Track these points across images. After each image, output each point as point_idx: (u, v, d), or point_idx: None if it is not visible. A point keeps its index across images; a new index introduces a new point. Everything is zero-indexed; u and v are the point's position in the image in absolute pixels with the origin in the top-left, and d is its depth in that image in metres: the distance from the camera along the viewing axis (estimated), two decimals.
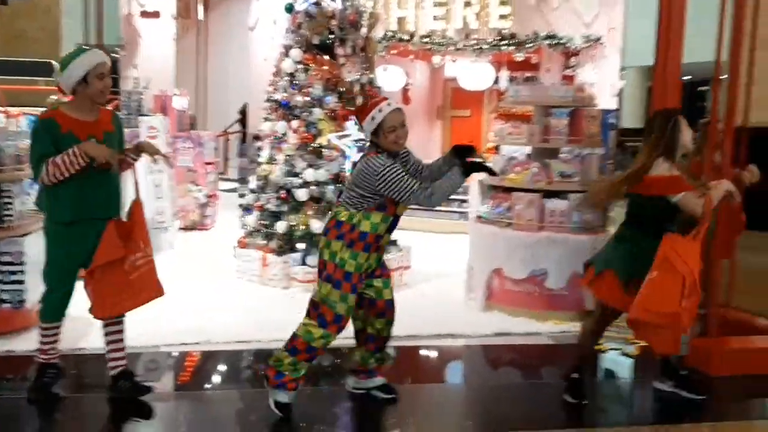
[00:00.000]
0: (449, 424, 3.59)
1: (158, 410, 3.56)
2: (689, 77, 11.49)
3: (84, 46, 3.38)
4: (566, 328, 5.07)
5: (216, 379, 4.16)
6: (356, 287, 3.40)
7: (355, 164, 6.14)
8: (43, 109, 4.28)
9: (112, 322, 3.57)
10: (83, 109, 3.36)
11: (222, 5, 14.59)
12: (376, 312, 3.59)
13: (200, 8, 14.14)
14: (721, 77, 4.77)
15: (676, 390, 3.93)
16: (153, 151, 3.51)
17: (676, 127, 3.57)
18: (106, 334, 3.59)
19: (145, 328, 4.32)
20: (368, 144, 3.51)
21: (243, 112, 13.45)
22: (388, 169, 3.27)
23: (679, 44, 4.67)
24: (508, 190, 5.46)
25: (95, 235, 3.37)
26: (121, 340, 3.61)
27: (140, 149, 3.53)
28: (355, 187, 3.38)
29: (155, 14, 10.11)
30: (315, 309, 3.41)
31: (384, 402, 3.68)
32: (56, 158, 3.23)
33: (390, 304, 3.61)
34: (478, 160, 3.44)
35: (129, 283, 3.39)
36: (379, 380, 3.74)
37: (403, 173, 3.30)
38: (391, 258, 6.18)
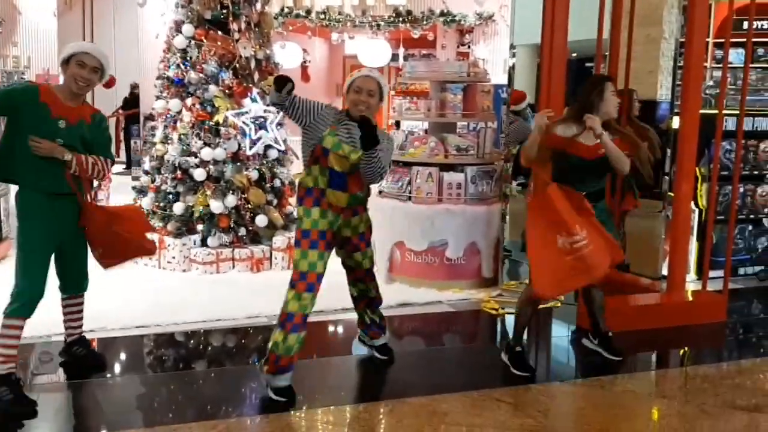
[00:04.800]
0: (355, 391, 3.69)
1: (55, 401, 3.43)
2: (576, 54, 11.97)
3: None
4: (465, 296, 5.27)
5: (115, 366, 4.03)
6: (317, 244, 3.43)
7: (254, 142, 6.11)
8: None
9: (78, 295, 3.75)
10: (64, 92, 3.44)
11: None
12: (355, 278, 3.86)
13: None
14: (603, 54, 5.03)
15: (598, 349, 4.17)
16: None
17: (600, 93, 3.70)
18: (67, 306, 3.78)
19: (39, 317, 4.11)
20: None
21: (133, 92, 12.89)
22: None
23: (564, 22, 4.85)
24: (408, 164, 5.57)
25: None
26: (81, 311, 3.83)
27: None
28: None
29: None
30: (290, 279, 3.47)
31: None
32: None
33: (368, 272, 3.84)
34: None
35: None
36: (377, 341, 4.05)
37: (313, 103, 3.45)
38: (294, 234, 6.16)
